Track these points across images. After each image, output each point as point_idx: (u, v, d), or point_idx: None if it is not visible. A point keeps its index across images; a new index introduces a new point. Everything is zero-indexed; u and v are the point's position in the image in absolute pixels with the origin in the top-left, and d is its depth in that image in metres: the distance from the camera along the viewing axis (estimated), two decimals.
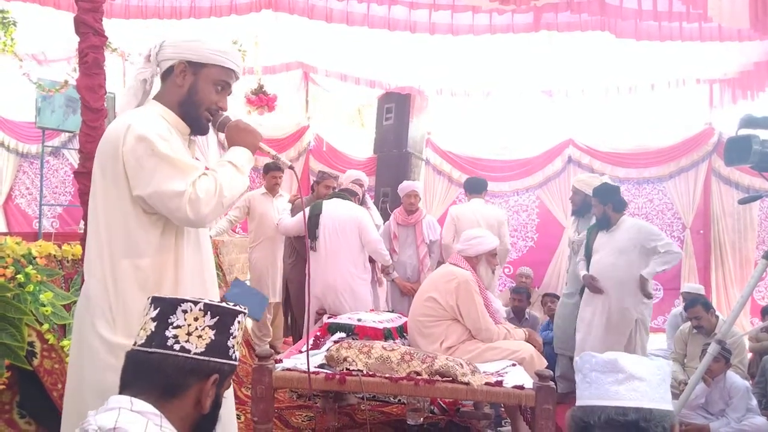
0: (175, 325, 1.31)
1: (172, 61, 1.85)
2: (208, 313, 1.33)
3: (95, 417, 1.19)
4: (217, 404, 1.35)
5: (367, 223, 4.55)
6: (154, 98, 1.90)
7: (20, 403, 2.85)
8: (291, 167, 2.03)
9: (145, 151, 1.70)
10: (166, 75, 1.89)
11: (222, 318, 1.34)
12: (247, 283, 5.58)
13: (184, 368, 1.28)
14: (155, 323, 1.32)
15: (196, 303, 1.33)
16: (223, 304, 1.37)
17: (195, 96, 1.87)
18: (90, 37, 2.61)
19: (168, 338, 1.29)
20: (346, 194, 4.74)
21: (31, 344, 2.78)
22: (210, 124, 1.95)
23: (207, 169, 1.83)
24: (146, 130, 1.72)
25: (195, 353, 1.29)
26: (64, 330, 2.96)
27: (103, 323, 1.73)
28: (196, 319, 1.32)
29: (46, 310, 2.87)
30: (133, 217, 1.76)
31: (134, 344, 1.34)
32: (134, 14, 5.17)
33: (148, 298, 1.39)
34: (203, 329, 1.31)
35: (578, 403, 1.31)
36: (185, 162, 1.76)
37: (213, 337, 1.32)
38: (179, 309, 1.32)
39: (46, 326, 2.84)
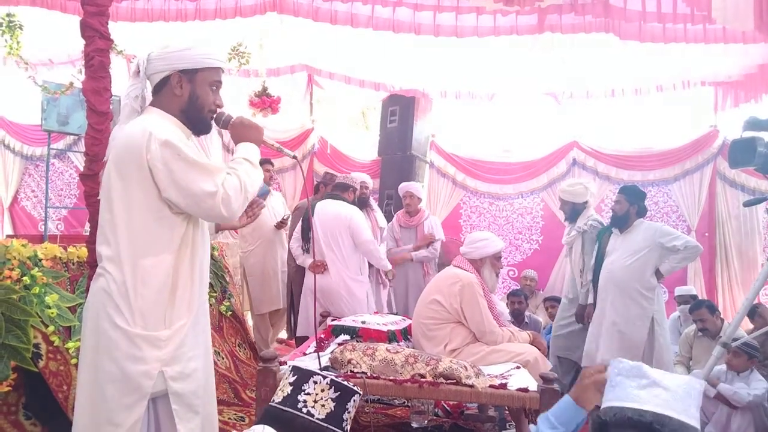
0: (306, 392, 1.60)
1: (164, 73, 1.93)
2: (333, 387, 1.62)
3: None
4: None
5: (359, 223, 4.50)
6: (153, 106, 1.96)
7: (26, 405, 2.87)
8: (295, 157, 2.21)
9: (171, 156, 1.81)
10: (161, 85, 1.95)
11: (343, 394, 1.62)
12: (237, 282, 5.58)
13: (307, 428, 1.56)
14: (291, 387, 1.62)
15: (324, 377, 1.63)
16: (345, 383, 1.65)
17: (196, 102, 1.96)
18: (96, 41, 2.63)
19: (299, 401, 1.59)
20: (338, 193, 4.70)
21: (36, 346, 2.79)
22: (213, 122, 2.04)
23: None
24: (169, 136, 1.82)
25: (318, 418, 1.57)
26: (69, 332, 2.97)
27: (122, 316, 1.81)
28: (322, 390, 1.61)
29: (52, 312, 2.88)
30: (158, 217, 1.86)
31: (272, 401, 1.64)
32: (140, 17, 5.19)
33: (289, 366, 1.69)
34: (326, 400, 1.60)
35: (602, 406, 1.32)
36: (210, 163, 1.89)
37: (333, 408, 1.59)
38: (311, 380, 1.62)
39: (51, 328, 2.85)
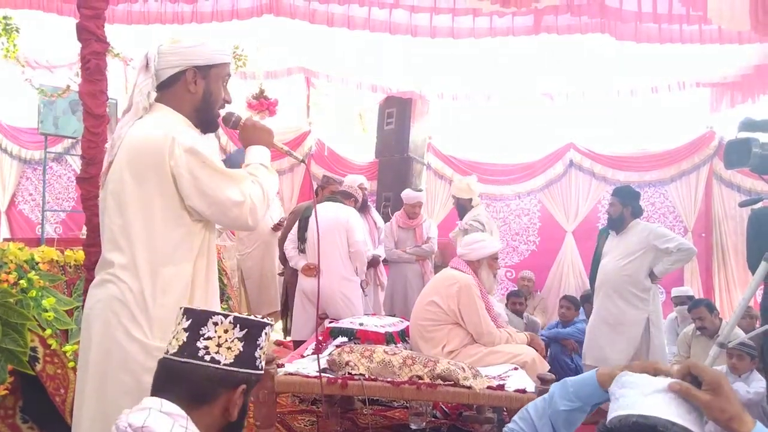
0: (206, 336, 1.37)
1: (178, 68, 1.85)
2: (238, 325, 1.39)
3: (128, 415, 1.26)
4: (244, 412, 1.41)
5: (354, 224, 4.54)
6: (160, 102, 1.87)
7: (23, 408, 2.86)
8: (303, 161, 2.19)
9: (196, 163, 1.75)
10: (171, 81, 1.87)
11: (251, 330, 1.40)
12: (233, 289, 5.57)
13: (213, 378, 1.34)
14: (187, 334, 1.38)
15: (226, 316, 1.40)
16: (252, 317, 1.43)
17: (210, 99, 1.92)
18: (92, 44, 2.62)
19: (199, 349, 1.36)
20: (339, 197, 4.75)
21: (33, 349, 2.79)
22: (221, 121, 1.99)
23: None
24: (193, 143, 1.76)
25: (225, 364, 1.36)
26: (66, 335, 2.96)
27: (139, 327, 1.72)
28: (226, 332, 1.38)
29: (49, 316, 2.87)
30: (179, 225, 1.79)
31: (166, 352, 1.40)
32: (136, 20, 5.18)
33: (180, 308, 1.45)
34: (233, 341, 1.38)
35: (607, 418, 1.29)
36: (234, 171, 1.83)
37: (242, 349, 1.38)
38: (210, 321, 1.38)
39: (48, 331, 2.84)
